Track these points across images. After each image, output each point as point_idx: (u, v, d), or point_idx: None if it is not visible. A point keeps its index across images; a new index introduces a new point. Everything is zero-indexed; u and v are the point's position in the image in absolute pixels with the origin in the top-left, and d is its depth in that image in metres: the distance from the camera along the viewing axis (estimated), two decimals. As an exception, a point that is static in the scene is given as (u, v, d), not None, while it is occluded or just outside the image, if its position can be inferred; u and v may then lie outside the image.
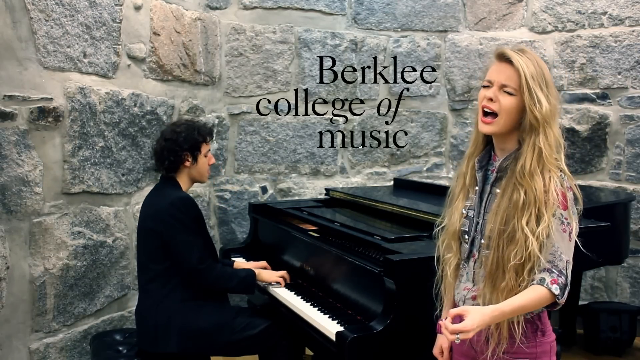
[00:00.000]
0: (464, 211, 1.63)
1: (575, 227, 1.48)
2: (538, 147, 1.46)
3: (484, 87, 1.54)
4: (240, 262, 2.82)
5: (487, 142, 1.62)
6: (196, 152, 2.49)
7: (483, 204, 1.58)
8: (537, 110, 1.45)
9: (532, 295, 1.44)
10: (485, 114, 1.52)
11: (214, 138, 2.62)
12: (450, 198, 1.70)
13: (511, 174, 1.50)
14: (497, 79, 1.51)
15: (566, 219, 1.46)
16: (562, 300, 1.44)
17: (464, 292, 1.62)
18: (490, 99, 1.51)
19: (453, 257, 1.65)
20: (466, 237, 1.62)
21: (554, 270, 1.44)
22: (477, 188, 1.61)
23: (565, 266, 1.45)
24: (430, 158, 4.24)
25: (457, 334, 1.37)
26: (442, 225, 1.71)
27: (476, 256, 1.59)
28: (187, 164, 2.48)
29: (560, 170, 1.49)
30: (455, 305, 1.69)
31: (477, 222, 1.59)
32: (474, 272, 1.59)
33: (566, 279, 1.45)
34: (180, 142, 2.45)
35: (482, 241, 1.55)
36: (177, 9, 3.40)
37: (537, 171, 1.45)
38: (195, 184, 2.64)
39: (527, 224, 1.43)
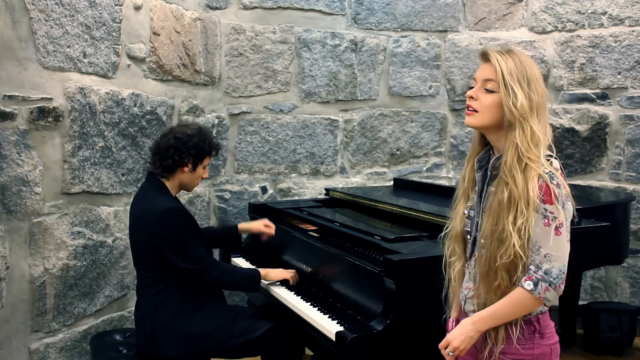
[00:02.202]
0: (466, 211, 1.64)
1: (566, 222, 1.45)
2: (515, 143, 1.47)
3: (470, 87, 1.58)
4: (245, 224, 2.85)
5: (487, 142, 1.63)
6: (198, 161, 2.40)
7: (481, 203, 1.59)
8: (511, 105, 1.47)
9: (510, 300, 1.47)
10: (470, 113, 1.57)
11: (217, 155, 2.57)
12: (454, 202, 1.71)
13: (499, 177, 1.51)
14: (479, 77, 1.55)
15: (551, 212, 1.44)
16: (539, 295, 1.44)
17: (466, 291, 1.64)
18: (471, 97, 1.55)
19: (457, 261, 1.67)
20: (468, 237, 1.63)
21: (530, 266, 1.45)
22: (477, 188, 1.62)
23: (543, 260, 1.44)
24: (430, 158, 4.24)
25: (446, 348, 1.54)
26: (447, 230, 1.72)
27: (476, 255, 1.59)
28: (186, 169, 2.39)
29: (551, 165, 1.48)
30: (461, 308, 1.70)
31: (477, 222, 1.60)
32: (475, 271, 1.60)
33: (544, 273, 1.44)
34: (189, 145, 2.36)
35: (482, 241, 1.56)
36: (177, 9, 3.40)
37: (517, 168, 1.45)
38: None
39: (512, 221, 1.44)
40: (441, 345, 1.55)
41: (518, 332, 1.49)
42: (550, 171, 1.46)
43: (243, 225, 2.84)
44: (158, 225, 2.27)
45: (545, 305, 1.49)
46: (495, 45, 4.09)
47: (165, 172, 2.39)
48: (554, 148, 1.53)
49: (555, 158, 1.51)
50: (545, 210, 1.44)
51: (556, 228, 1.44)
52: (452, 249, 1.68)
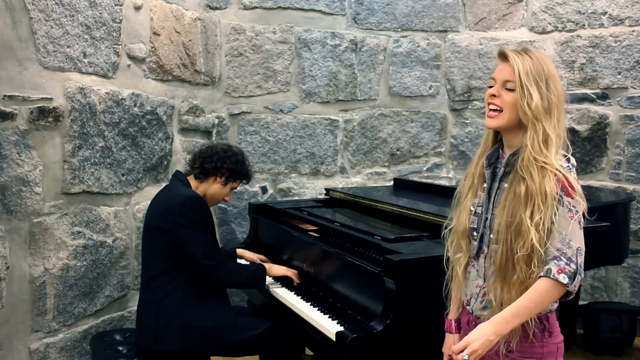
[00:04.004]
0: (472, 208, 1.63)
1: (582, 217, 1.49)
2: (525, 143, 1.49)
3: (489, 86, 1.58)
4: (243, 251, 2.84)
5: (497, 141, 1.64)
6: (231, 179, 2.56)
7: (491, 200, 1.59)
8: (526, 106, 1.48)
9: (536, 292, 1.45)
10: (491, 110, 1.56)
11: (247, 184, 2.83)
12: (457, 198, 1.71)
13: (515, 171, 1.52)
14: (499, 77, 1.56)
15: (574, 206, 1.46)
16: (573, 288, 1.45)
17: (476, 289, 1.62)
18: (494, 95, 1.55)
19: (463, 257, 1.65)
20: (475, 233, 1.62)
21: (562, 258, 1.45)
22: (485, 185, 1.62)
23: (575, 253, 1.45)
24: (430, 158, 4.24)
25: (463, 350, 1.45)
26: (451, 226, 1.71)
27: (486, 252, 1.59)
28: (218, 180, 2.54)
29: (568, 161, 1.50)
30: (464, 304, 1.69)
31: (486, 218, 1.60)
32: (484, 268, 1.59)
33: (577, 266, 1.45)
34: (232, 160, 2.54)
35: (492, 236, 1.56)
36: (177, 9, 3.40)
37: (534, 165, 1.47)
38: None
39: (530, 215, 1.45)
40: (457, 348, 1.47)
41: (533, 327, 1.49)
42: (568, 166, 1.49)
43: (241, 251, 2.86)
44: (178, 210, 2.36)
45: (568, 296, 1.48)
46: (495, 46, 4.11)
47: (201, 174, 2.53)
48: (570, 148, 1.54)
49: (571, 156, 1.53)
50: (569, 203, 1.46)
51: (579, 222, 1.47)
52: (458, 245, 1.66)
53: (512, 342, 1.50)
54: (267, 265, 2.58)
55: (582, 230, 1.48)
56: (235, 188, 2.65)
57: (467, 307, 1.66)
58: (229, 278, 2.46)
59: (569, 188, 1.46)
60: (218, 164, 2.52)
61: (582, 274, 1.47)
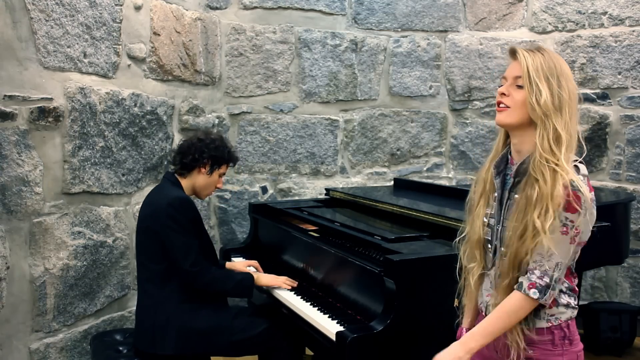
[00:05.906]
0: (486, 220, 1.59)
1: (582, 232, 1.43)
2: (535, 141, 1.45)
3: (500, 85, 1.55)
4: (232, 263, 2.81)
5: (507, 144, 1.60)
6: (216, 165, 2.53)
7: (502, 211, 1.55)
8: (534, 102, 1.44)
9: (504, 309, 1.45)
10: (501, 109, 1.53)
11: (234, 166, 2.77)
12: (469, 206, 1.67)
13: (528, 175, 1.47)
14: (509, 74, 1.53)
15: (572, 221, 1.40)
16: (545, 302, 1.43)
17: (487, 298, 1.60)
18: (503, 94, 1.52)
19: (477, 267, 1.61)
20: (489, 246, 1.58)
21: (535, 271, 1.43)
22: (496, 194, 1.58)
23: (553, 267, 1.42)
24: (430, 158, 4.24)
25: None
26: (463, 235, 1.67)
27: (497, 264, 1.55)
28: (203, 170, 2.51)
29: (579, 171, 1.45)
30: (477, 314, 1.68)
31: (498, 230, 1.55)
32: (495, 278, 1.56)
33: (550, 280, 1.42)
34: (210, 147, 2.50)
35: (502, 249, 1.52)
36: (177, 9, 3.40)
37: (545, 167, 1.42)
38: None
39: (538, 217, 1.40)
40: None
41: (535, 334, 1.47)
42: (578, 178, 1.43)
43: (232, 264, 2.81)
44: (165, 212, 2.34)
45: (543, 307, 1.47)
46: (495, 46, 4.11)
47: (184, 170, 2.51)
48: (584, 148, 1.51)
49: (581, 162, 1.48)
50: (566, 218, 1.40)
51: (572, 237, 1.42)
52: (471, 255, 1.62)
53: (521, 351, 1.47)
54: (256, 275, 2.53)
55: (572, 246, 1.43)
56: (224, 173, 2.61)
57: (484, 315, 1.63)
58: (214, 284, 2.41)
59: (574, 202, 1.39)
60: (196, 156, 2.49)
61: (556, 289, 1.44)
